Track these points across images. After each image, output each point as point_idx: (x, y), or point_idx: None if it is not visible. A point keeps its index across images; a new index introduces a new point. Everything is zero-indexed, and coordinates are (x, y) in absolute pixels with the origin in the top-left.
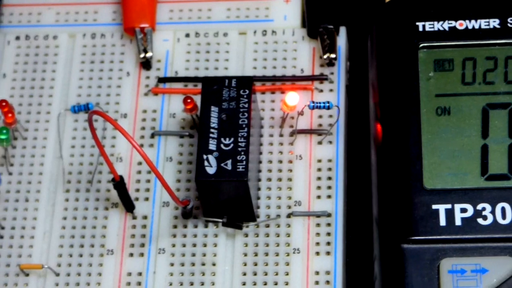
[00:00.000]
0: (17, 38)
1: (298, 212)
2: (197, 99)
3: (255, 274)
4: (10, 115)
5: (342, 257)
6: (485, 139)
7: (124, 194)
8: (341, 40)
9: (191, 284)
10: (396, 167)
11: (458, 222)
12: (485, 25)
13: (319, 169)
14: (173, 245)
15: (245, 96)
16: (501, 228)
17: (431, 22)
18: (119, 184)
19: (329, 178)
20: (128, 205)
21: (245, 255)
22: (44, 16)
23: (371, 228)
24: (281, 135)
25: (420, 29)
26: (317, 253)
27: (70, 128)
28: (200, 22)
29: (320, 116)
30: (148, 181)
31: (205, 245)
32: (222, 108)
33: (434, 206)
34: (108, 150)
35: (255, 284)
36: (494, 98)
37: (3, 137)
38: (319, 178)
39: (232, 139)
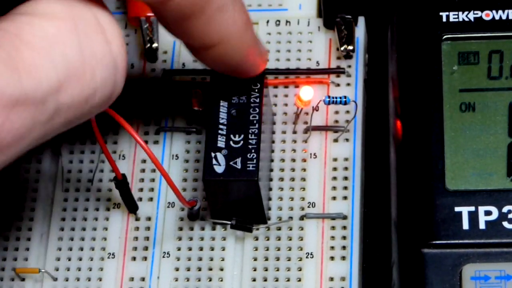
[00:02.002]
0: None
1: (312, 214)
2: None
3: (265, 280)
4: None
5: (358, 262)
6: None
7: (127, 194)
8: (360, 31)
9: None
10: (417, 166)
11: (482, 225)
12: None
13: (335, 169)
14: (179, 249)
15: (256, 90)
16: None
17: (456, 12)
18: (121, 183)
19: (345, 178)
20: (131, 206)
21: (255, 259)
22: None
23: (390, 232)
24: (294, 132)
25: (444, 19)
26: (332, 258)
27: None
28: None
29: (337, 112)
30: (153, 180)
31: (212, 249)
32: (231, 103)
33: (457, 209)
34: (110, 146)
35: None
36: None
37: None
38: (334, 178)
39: (242, 136)
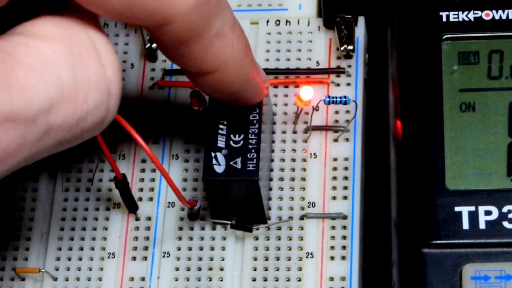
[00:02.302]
0: None
1: (312, 214)
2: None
3: (265, 279)
4: None
5: (358, 262)
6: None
7: (127, 194)
8: (360, 31)
9: None
10: (417, 166)
11: (482, 225)
12: None
13: (335, 168)
14: (179, 249)
15: None
16: None
17: (456, 12)
18: (121, 183)
19: (345, 178)
20: (131, 206)
21: (255, 259)
22: None
23: (390, 232)
24: (294, 132)
25: (444, 19)
26: (332, 258)
27: None
28: None
29: (337, 112)
30: (153, 180)
31: (212, 249)
32: None
33: (457, 208)
34: (110, 146)
35: None
36: None
37: None
38: (334, 178)
39: (242, 136)
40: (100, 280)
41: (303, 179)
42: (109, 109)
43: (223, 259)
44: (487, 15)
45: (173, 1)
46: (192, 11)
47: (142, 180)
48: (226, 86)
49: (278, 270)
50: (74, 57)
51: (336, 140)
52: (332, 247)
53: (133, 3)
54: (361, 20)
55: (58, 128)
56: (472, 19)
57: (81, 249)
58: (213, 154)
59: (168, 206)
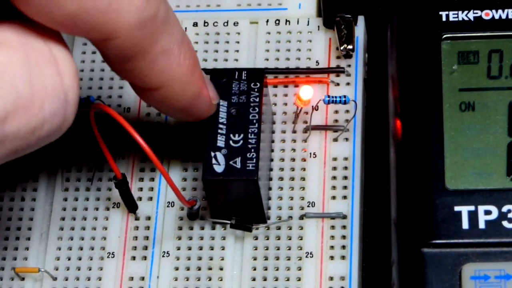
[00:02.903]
0: None
1: (312, 214)
2: None
3: (265, 279)
4: None
5: (358, 261)
6: (511, 136)
7: (127, 194)
8: (359, 31)
9: None
10: (417, 166)
11: (481, 225)
12: None
13: (335, 168)
14: (178, 248)
15: (256, 90)
16: None
17: (455, 12)
18: (121, 182)
19: (345, 178)
20: (131, 205)
21: (255, 259)
22: None
23: (389, 231)
24: (294, 132)
25: (444, 19)
26: (331, 258)
27: None
28: (209, 10)
29: (336, 112)
30: (152, 179)
31: (212, 248)
32: (231, 102)
33: (457, 208)
34: (110, 146)
35: None
36: None
37: None
38: (334, 178)
39: (241, 136)
40: (100, 279)
41: (303, 178)
42: (66, 116)
43: (222, 259)
44: (486, 14)
45: (116, 17)
46: (135, 29)
47: (141, 179)
48: (172, 102)
49: (277, 269)
50: (31, 65)
51: (335, 139)
52: (332, 247)
53: (77, 16)
54: (360, 20)
55: (13, 137)
56: (472, 19)
57: (81, 248)
58: (212, 154)
59: (168, 206)
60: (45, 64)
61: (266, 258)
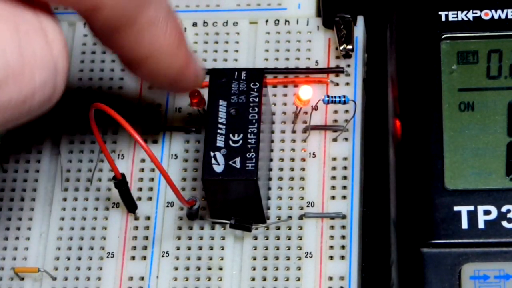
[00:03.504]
0: None
1: (311, 214)
2: (205, 92)
3: (264, 279)
4: None
5: (358, 261)
6: (511, 136)
7: (126, 194)
8: (359, 31)
9: None
10: (416, 166)
11: (481, 225)
12: None
13: (334, 168)
14: (178, 248)
15: (255, 90)
16: None
17: (455, 12)
18: (120, 182)
19: (345, 178)
20: (130, 205)
21: (254, 259)
22: None
23: (389, 231)
24: (293, 132)
25: (443, 19)
26: (331, 258)
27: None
28: (209, 10)
29: (336, 111)
30: (152, 179)
31: (211, 248)
32: (231, 102)
33: (456, 208)
34: (109, 146)
35: None
36: None
37: None
38: (333, 178)
39: (241, 136)
40: (99, 279)
41: (302, 178)
42: (56, 86)
43: (222, 259)
44: (486, 14)
45: None
46: None
47: (141, 179)
48: (159, 75)
49: (277, 269)
50: (20, 35)
51: (335, 139)
52: (331, 247)
53: None
54: (360, 20)
55: (4, 107)
56: (471, 19)
57: (80, 248)
58: (212, 154)
59: (167, 206)
60: (34, 34)
61: (265, 258)
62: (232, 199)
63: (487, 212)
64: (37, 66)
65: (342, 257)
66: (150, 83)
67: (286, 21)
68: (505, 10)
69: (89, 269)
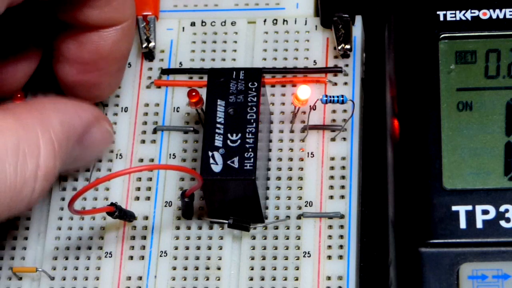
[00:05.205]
0: None
1: (309, 213)
2: (203, 92)
3: (262, 279)
4: None
5: (356, 261)
6: (509, 136)
7: (123, 215)
8: (357, 30)
9: None
10: (414, 165)
11: (479, 224)
12: (510, 15)
13: (332, 168)
14: (176, 248)
15: (253, 89)
16: None
17: (453, 11)
18: (115, 212)
19: (343, 177)
20: (129, 219)
21: (252, 258)
22: None
23: (387, 231)
24: (291, 131)
25: (441, 18)
26: (329, 257)
27: None
28: (207, 10)
29: (334, 111)
30: (150, 179)
31: (209, 248)
32: (229, 102)
33: (454, 208)
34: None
35: None
36: None
37: None
38: (331, 177)
39: (239, 135)
40: (97, 279)
41: (300, 178)
42: (29, 204)
43: (220, 258)
44: (484, 14)
45: None
46: None
47: (139, 179)
48: (127, 44)
49: (275, 269)
50: (20, 154)
51: (333, 139)
52: (329, 246)
53: None
54: (358, 19)
55: None
56: (469, 18)
57: (78, 248)
58: (210, 153)
59: (165, 206)
60: (30, 156)
61: (263, 258)
62: (230, 198)
63: (485, 212)
64: (21, 186)
65: (340, 257)
66: (115, 58)
67: (284, 20)
68: (503, 10)
69: (87, 269)
